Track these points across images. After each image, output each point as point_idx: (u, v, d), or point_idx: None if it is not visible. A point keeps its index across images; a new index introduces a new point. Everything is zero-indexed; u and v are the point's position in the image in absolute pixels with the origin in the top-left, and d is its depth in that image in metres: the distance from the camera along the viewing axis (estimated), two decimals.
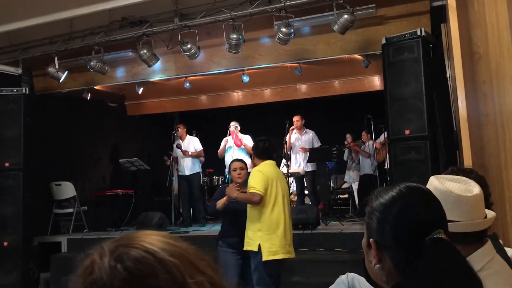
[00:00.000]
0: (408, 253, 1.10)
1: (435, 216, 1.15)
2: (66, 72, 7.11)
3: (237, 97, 9.46)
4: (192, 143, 8.33)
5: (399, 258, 1.13)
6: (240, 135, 8.03)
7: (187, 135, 8.44)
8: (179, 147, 8.17)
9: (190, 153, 8.18)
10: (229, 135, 8.06)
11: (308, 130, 8.06)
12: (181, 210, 8.68)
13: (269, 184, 4.14)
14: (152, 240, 0.72)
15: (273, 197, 4.16)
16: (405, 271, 1.11)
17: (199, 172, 8.36)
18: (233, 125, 8.02)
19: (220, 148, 8.14)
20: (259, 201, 4.09)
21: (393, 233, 1.14)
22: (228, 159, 7.90)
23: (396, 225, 1.14)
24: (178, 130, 8.40)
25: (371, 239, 1.18)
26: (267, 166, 4.31)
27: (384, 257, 1.15)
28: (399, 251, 1.13)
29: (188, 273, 0.69)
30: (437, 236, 1.09)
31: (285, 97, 9.08)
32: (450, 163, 4.87)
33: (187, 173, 8.23)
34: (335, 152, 7.66)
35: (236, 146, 7.89)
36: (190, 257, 0.72)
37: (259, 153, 4.35)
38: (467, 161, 4.35)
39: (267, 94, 9.24)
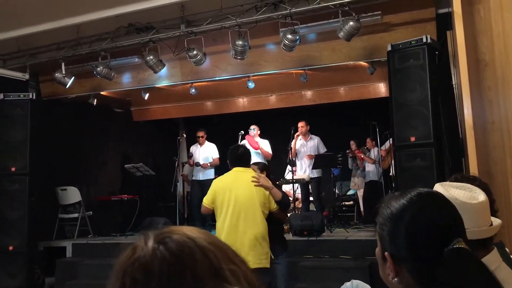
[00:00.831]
0: (426, 265, 1.04)
1: (450, 222, 1.09)
2: (73, 77, 7.15)
3: (242, 103, 9.47)
4: (211, 150, 8.41)
5: (417, 270, 1.06)
6: (258, 139, 8.06)
7: (206, 141, 8.50)
8: (198, 165, 8.23)
9: (209, 164, 8.27)
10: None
11: (313, 136, 8.05)
12: (185, 216, 8.69)
13: (216, 195, 4.16)
14: (193, 230, 0.80)
15: (219, 208, 4.15)
16: (425, 283, 1.04)
17: (213, 178, 8.39)
18: (252, 129, 8.07)
19: None
20: (203, 212, 4.38)
21: (407, 244, 1.07)
22: None
23: (410, 236, 1.07)
24: (200, 137, 8.43)
25: (386, 253, 1.11)
26: (226, 175, 4.33)
27: (402, 270, 1.09)
28: (416, 262, 1.06)
29: (224, 261, 0.75)
30: (457, 246, 1.03)
31: (290, 104, 9.08)
32: (456, 170, 4.85)
33: (201, 178, 8.30)
34: (340, 158, 7.65)
35: (253, 148, 7.88)
36: (227, 250, 0.79)
37: (229, 160, 4.35)
38: (473, 168, 4.33)
39: (272, 100, 9.25)
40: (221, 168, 8.74)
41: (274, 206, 4.13)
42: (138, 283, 0.72)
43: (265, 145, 8.00)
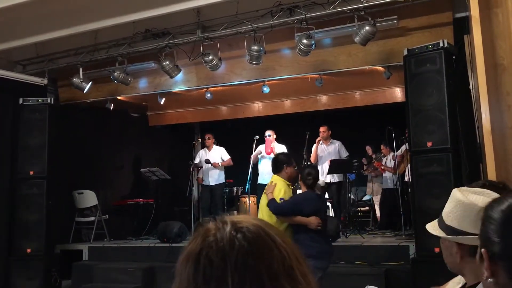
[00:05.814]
0: None
1: None
2: (90, 82, 7.24)
3: (257, 108, 9.48)
4: (219, 153, 8.39)
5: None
6: (274, 144, 7.93)
7: (214, 146, 8.50)
8: (208, 162, 8.22)
9: (220, 164, 8.23)
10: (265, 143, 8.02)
11: (334, 141, 8.03)
12: (200, 220, 8.71)
13: None
14: (265, 223, 0.81)
15: None
16: None
17: (223, 183, 8.40)
18: (268, 134, 7.95)
19: (254, 153, 7.98)
20: None
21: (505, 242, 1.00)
22: (260, 168, 7.91)
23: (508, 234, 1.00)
24: (207, 139, 8.44)
25: (482, 249, 1.05)
26: None
27: (498, 270, 1.02)
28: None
29: (294, 262, 0.76)
30: None
31: (306, 108, 9.06)
32: (473, 176, 4.78)
33: (212, 183, 8.29)
34: (355, 164, 7.60)
35: (266, 154, 7.84)
36: (295, 249, 0.80)
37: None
38: (491, 174, 4.26)
39: (288, 105, 9.24)
40: (232, 171, 8.78)
41: None
42: (213, 265, 0.73)
43: (281, 151, 7.92)
